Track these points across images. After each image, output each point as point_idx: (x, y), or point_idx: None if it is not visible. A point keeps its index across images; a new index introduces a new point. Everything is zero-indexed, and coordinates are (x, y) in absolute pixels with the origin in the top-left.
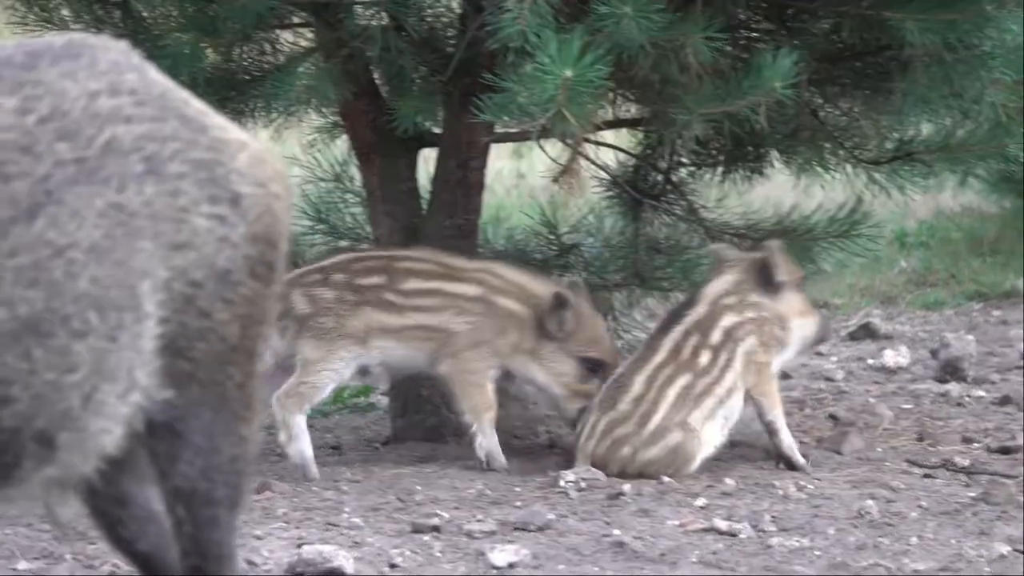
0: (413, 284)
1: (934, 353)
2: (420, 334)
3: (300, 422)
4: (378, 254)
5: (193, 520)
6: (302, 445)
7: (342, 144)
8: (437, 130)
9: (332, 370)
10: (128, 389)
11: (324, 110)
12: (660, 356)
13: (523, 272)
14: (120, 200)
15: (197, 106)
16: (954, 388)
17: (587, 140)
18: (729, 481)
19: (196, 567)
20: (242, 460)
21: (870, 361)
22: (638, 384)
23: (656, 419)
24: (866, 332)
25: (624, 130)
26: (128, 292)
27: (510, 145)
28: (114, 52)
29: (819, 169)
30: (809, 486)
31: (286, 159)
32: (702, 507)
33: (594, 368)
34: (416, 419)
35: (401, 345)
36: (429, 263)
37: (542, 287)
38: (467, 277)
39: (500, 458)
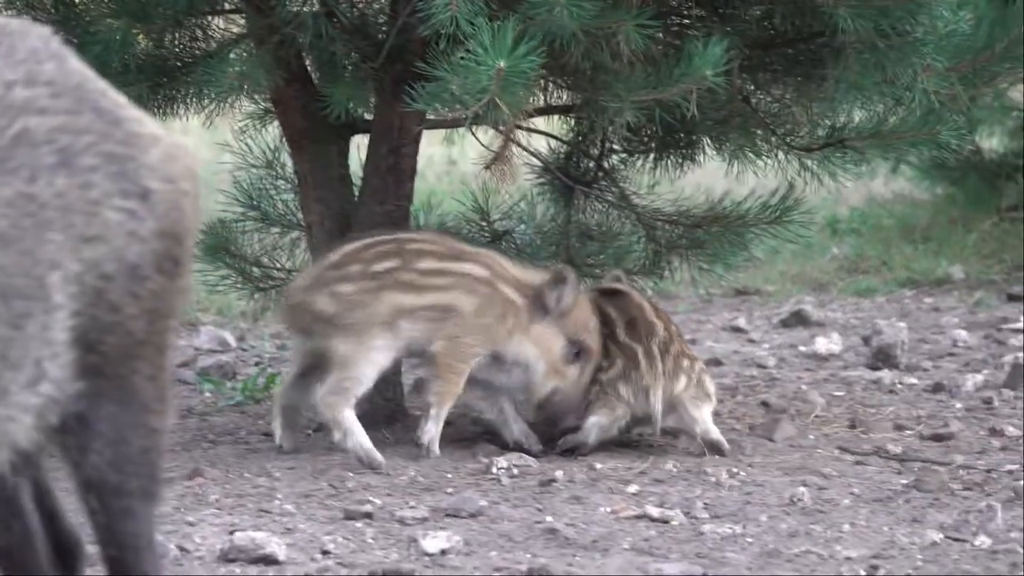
0: (427, 264)
1: (866, 340)
2: (435, 314)
3: (350, 416)
4: (387, 238)
5: (106, 511)
6: (359, 438)
7: (274, 131)
8: (369, 117)
9: (370, 360)
10: (36, 379)
11: (256, 97)
12: None
13: (516, 262)
14: (30, 191)
15: (113, 98)
16: (886, 375)
17: (519, 127)
18: (661, 468)
19: (113, 558)
20: (154, 452)
21: (802, 348)
22: None
23: None
24: (798, 319)
25: (556, 117)
26: (35, 282)
27: (442, 131)
28: (33, 38)
29: (751, 156)
30: (741, 473)
31: (217, 146)
32: (634, 494)
33: (578, 354)
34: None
35: (420, 325)
36: (437, 244)
37: (536, 276)
38: (474, 259)
39: (435, 450)
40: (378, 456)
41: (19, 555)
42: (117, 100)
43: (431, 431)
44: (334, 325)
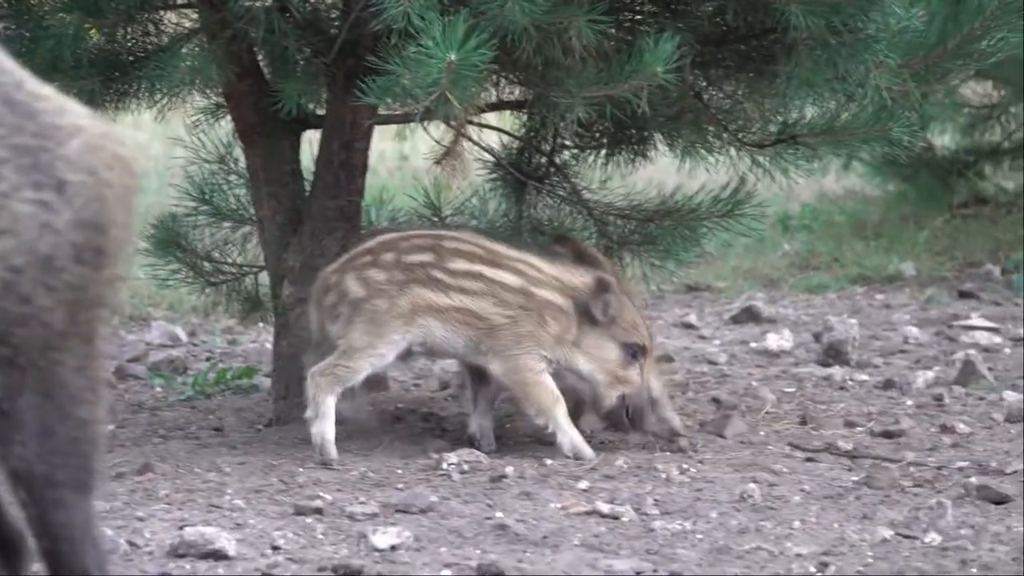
0: (460, 265)
1: (817, 337)
2: (460, 317)
3: (330, 403)
4: (426, 233)
5: (37, 503)
6: (325, 427)
7: (226, 125)
8: (321, 112)
9: (378, 355)
10: None
11: (208, 91)
12: None
13: (558, 263)
14: None
15: (31, 90)
16: (837, 372)
17: (471, 122)
18: (612, 464)
19: (48, 551)
20: (85, 442)
21: (753, 344)
22: None
23: None
24: (749, 315)
25: (508, 113)
26: None
27: (394, 127)
28: None
29: (703, 152)
30: (692, 469)
31: (170, 140)
32: (584, 490)
33: (635, 354)
34: (299, 401)
35: (442, 326)
36: (474, 245)
37: (579, 277)
38: (508, 265)
39: (587, 449)
40: (333, 452)
41: None
42: (35, 92)
43: (567, 441)
44: (358, 310)
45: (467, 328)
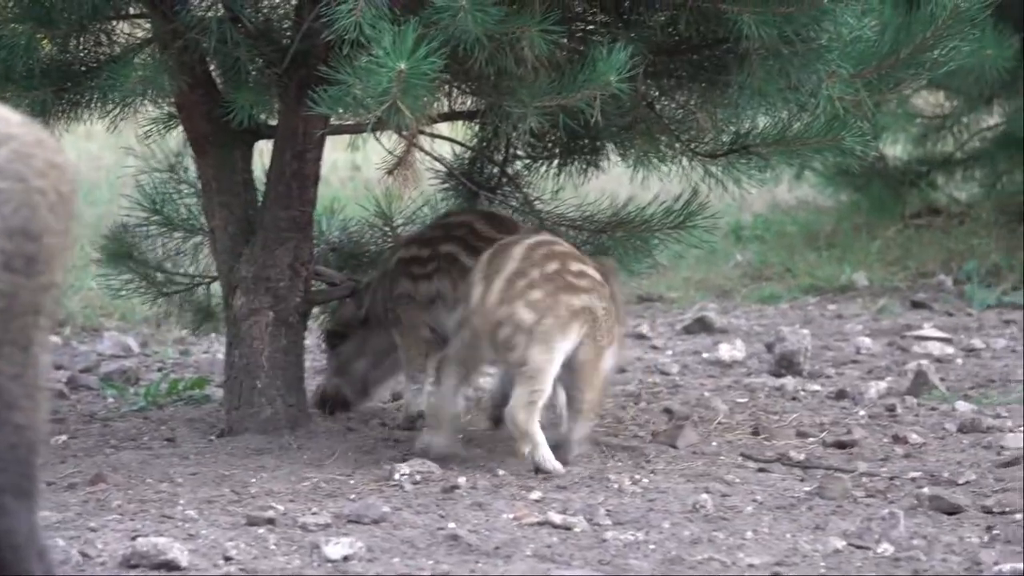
0: (574, 266)
1: (769, 347)
2: (585, 316)
3: (537, 428)
4: (538, 239)
5: None
6: (545, 453)
7: (178, 135)
8: (273, 122)
9: (554, 368)
10: None
11: (160, 101)
12: None
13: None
14: None
15: None
16: (789, 382)
17: (422, 132)
18: (564, 474)
19: None
20: (23, 448)
21: (705, 355)
22: None
23: None
24: (701, 326)
25: (460, 123)
26: None
27: (345, 137)
28: None
29: (655, 162)
30: (644, 480)
31: (122, 150)
32: (537, 500)
33: None
34: (250, 411)
35: (579, 328)
36: (567, 245)
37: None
38: (588, 259)
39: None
40: (560, 466)
41: None
42: None
43: (579, 439)
44: (531, 334)
45: (585, 326)
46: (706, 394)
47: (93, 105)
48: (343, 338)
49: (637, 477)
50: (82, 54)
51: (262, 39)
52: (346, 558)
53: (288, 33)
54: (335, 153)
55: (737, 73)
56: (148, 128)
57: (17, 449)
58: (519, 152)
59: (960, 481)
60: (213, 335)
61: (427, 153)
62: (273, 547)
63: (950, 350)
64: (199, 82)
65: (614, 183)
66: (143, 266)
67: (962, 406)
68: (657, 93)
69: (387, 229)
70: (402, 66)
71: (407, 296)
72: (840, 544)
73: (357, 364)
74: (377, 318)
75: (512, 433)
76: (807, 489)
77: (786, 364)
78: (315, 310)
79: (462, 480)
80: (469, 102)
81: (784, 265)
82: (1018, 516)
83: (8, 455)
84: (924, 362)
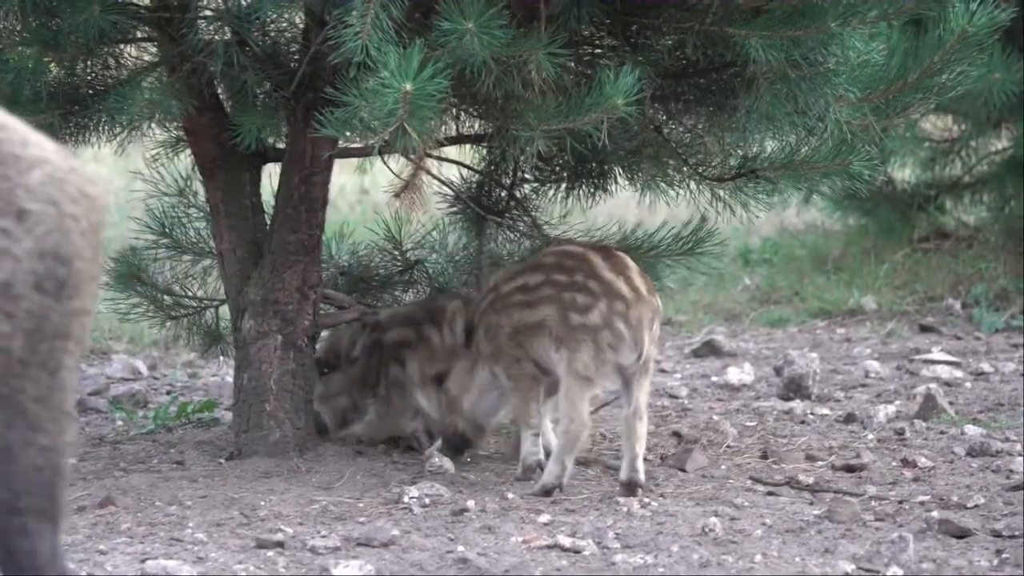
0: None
1: (778, 371)
2: None
3: None
4: (597, 253)
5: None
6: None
7: (186, 159)
8: (281, 145)
9: None
10: None
11: (168, 125)
12: None
13: None
14: None
15: None
16: (798, 406)
17: (430, 156)
18: (573, 497)
19: None
20: (48, 471)
21: (714, 378)
22: None
23: None
24: (710, 349)
25: (468, 146)
26: None
27: (354, 160)
28: None
29: (663, 186)
30: (653, 503)
31: (130, 174)
32: (546, 523)
33: None
34: (259, 434)
35: None
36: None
37: None
38: None
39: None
40: None
41: None
42: None
43: (556, 472)
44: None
45: None
46: (715, 417)
47: (101, 128)
48: (332, 368)
49: (646, 500)
50: (89, 77)
51: (269, 62)
52: None
53: (295, 56)
54: (343, 176)
55: (745, 97)
56: (156, 151)
57: (42, 471)
58: (527, 175)
59: (969, 505)
60: (222, 358)
61: (435, 176)
62: (282, 570)
63: (959, 374)
64: (207, 105)
65: (622, 207)
66: (152, 289)
67: (971, 430)
68: (664, 117)
69: (396, 253)
70: (408, 87)
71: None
72: (850, 568)
73: (339, 399)
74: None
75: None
76: (816, 513)
77: (795, 388)
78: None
79: (471, 503)
80: (476, 125)
81: (792, 289)
82: None
83: (32, 477)
84: (933, 386)
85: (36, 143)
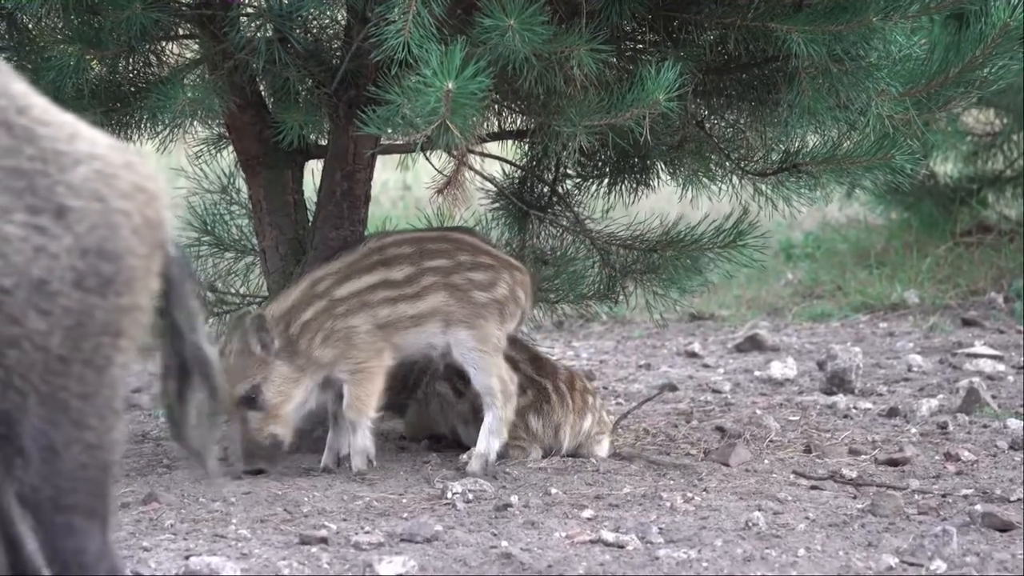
0: None
1: (821, 365)
2: None
3: None
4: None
5: (45, 527)
6: None
7: (228, 156)
8: (323, 142)
9: None
10: None
11: (210, 122)
12: None
13: None
14: None
15: (37, 116)
16: (841, 400)
17: (472, 152)
18: (617, 493)
19: None
20: (94, 468)
21: (757, 373)
22: None
23: None
24: (753, 344)
25: (510, 142)
26: None
27: (396, 156)
28: None
29: (705, 181)
30: (696, 498)
31: (172, 171)
32: (589, 519)
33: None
34: (303, 431)
35: None
36: None
37: None
38: None
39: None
40: None
41: None
42: (42, 118)
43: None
44: None
45: None
46: (758, 412)
47: (143, 126)
48: None
49: (689, 495)
50: (131, 75)
51: (311, 59)
52: None
53: (337, 53)
54: (386, 173)
55: (786, 91)
56: (199, 149)
57: (88, 468)
58: (569, 171)
59: (1012, 498)
60: None
61: (477, 172)
62: (326, 566)
63: (1001, 367)
64: (249, 103)
65: (664, 202)
66: (194, 286)
67: (1013, 423)
68: (706, 112)
69: None
70: (450, 85)
71: None
72: (893, 561)
73: None
74: None
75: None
76: (859, 507)
77: (838, 382)
78: None
79: (514, 499)
80: (519, 121)
81: (835, 283)
82: None
83: (78, 474)
84: (975, 379)
85: (87, 138)
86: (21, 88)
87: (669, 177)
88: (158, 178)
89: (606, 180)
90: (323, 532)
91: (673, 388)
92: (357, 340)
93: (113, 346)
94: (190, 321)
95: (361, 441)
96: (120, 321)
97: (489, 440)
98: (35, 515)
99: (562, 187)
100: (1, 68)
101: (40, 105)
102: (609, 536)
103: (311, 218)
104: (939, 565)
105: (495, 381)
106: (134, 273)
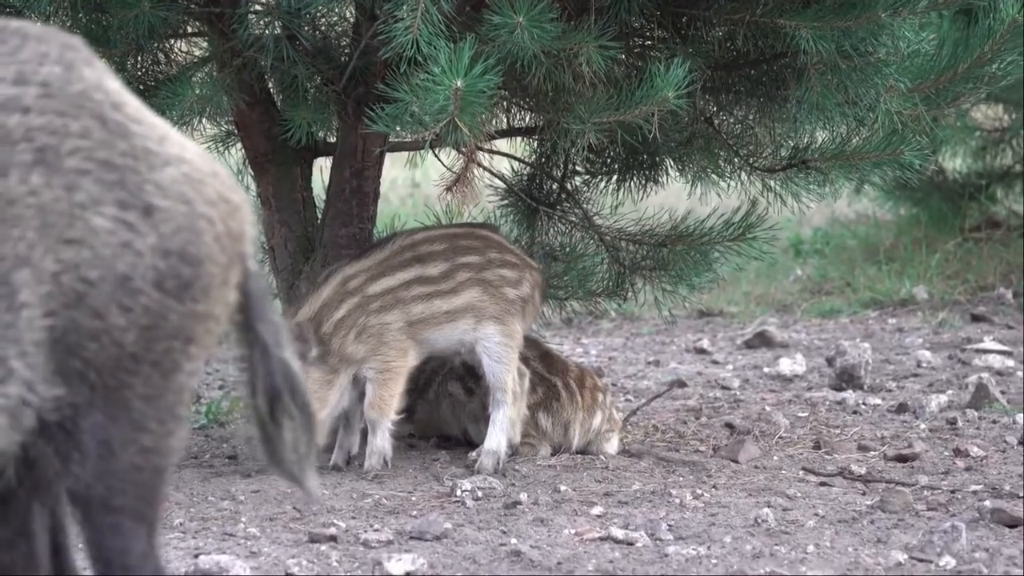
0: None
1: (830, 361)
2: None
3: None
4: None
5: (92, 526)
6: None
7: (237, 153)
8: (332, 139)
9: None
10: (2, 378)
11: (218, 119)
12: None
13: None
14: None
15: (130, 113)
16: (850, 396)
17: (481, 149)
18: (626, 490)
19: None
20: (148, 471)
21: (766, 369)
22: None
23: None
24: (762, 340)
25: (518, 139)
26: None
27: (405, 154)
28: (50, 44)
29: (714, 177)
30: (706, 495)
31: None
32: (599, 516)
33: None
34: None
35: None
36: None
37: None
38: None
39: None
40: None
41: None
42: (136, 116)
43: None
44: None
45: None
46: (767, 408)
47: None
48: None
49: (699, 492)
50: (140, 73)
51: (320, 57)
52: (408, 574)
53: (346, 51)
54: (394, 170)
55: (795, 87)
56: (207, 146)
57: (141, 471)
58: (578, 168)
59: (1021, 494)
60: None
61: (486, 169)
62: (335, 564)
63: (1010, 363)
64: (257, 100)
65: (672, 198)
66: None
67: (1022, 419)
68: (715, 108)
69: None
70: (459, 83)
71: None
72: (902, 557)
73: None
74: None
75: None
76: (869, 503)
77: (847, 378)
78: None
79: (524, 496)
80: (527, 118)
81: (844, 279)
82: None
83: (130, 476)
84: (984, 375)
85: (176, 142)
86: (116, 85)
87: (678, 173)
88: (242, 191)
89: (615, 177)
90: (332, 530)
91: (682, 384)
92: (388, 337)
93: (183, 352)
94: (276, 336)
95: (380, 442)
96: (193, 327)
97: (499, 437)
98: (84, 513)
99: (571, 184)
100: (98, 64)
101: (133, 104)
102: (618, 533)
103: (320, 215)
104: (948, 561)
105: (510, 378)
106: (212, 280)
